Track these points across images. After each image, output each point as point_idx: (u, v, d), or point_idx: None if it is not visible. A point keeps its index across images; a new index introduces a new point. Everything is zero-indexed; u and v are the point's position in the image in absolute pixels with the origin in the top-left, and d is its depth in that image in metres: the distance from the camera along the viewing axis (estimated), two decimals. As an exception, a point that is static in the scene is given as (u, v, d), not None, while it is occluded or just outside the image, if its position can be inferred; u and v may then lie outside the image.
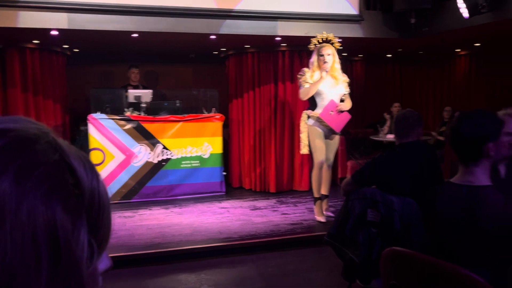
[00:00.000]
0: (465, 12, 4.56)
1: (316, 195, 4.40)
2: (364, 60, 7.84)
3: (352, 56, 7.70)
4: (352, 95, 4.53)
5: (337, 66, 4.30)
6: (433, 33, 5.38)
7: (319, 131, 4.33)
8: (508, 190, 1.80)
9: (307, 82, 4.30)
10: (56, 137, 0.44)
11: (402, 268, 1.75)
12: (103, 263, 0.44)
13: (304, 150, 4.47)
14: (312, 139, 4.35)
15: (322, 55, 4.23)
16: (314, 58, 4.32)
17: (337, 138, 4.43)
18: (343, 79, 4.36)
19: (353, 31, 5.18)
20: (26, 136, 0.41)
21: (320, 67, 4.27)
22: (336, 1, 5.11)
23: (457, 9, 4.66)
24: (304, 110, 4.59)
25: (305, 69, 4.41)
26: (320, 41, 4.40)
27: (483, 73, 7.48)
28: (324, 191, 4.41)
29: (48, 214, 0.38)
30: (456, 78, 7.99)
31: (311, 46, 4.42)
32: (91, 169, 0.44)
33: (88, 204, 0.42)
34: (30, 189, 0.38)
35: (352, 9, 5.17)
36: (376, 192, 2.60)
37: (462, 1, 4.54)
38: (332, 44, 4.37)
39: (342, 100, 4.38)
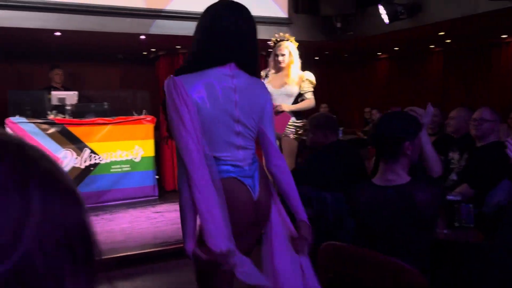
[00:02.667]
0: (385, 18, 4.87)
1: None
2: (293, 62, 8.07)
3: (282, 58, 7.87)
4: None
5: (293, 65, 4.18)
6: (357, 37, 5.68)
7: None
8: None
9: None
10: None
11: (338, 261, 1.83)
12: None
13: None
14: None
15: (277, 55, 4.23)
16: (271, 58, 4.27)
17: (289, 140, 4.25)
18: (297, 79, 4.20)
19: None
20: None
21: (275, 66, 4.27)
22: (266, 4, 5.21)
23: (379, 15, 4.96)
24: None
25: (263, 72, 4.37)
26: (279, 40, 4.29)
27: (402, 74, 8.03)
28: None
29: None
30: (378, 80, 8.50)
31: (271, 43, 4.40)
32: None
33: None
34: None
35: (281, 12, 5.31)
36: (311, 190, 2.71)
37: (383, 8, 4.84)
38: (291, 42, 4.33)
39: (297, 101, 4.26)
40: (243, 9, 1.68)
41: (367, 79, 8.69)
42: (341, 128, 6.20)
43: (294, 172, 2.89)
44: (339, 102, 8.83)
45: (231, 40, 1.59)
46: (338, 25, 5.50)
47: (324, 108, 7.61)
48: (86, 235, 0.36)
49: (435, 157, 2.15)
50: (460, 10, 4.43)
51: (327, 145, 2.86)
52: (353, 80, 8.86)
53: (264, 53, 5.67)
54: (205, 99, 1.53)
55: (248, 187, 1.61)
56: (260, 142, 1.73)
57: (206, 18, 1.65)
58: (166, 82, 1.53)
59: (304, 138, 6.18)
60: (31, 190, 0.32)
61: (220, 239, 1.45)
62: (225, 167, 1.58)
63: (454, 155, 3.26)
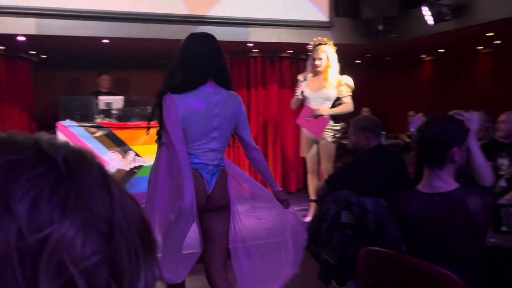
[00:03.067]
0: (430, 20, 4.74)
1: (311, 197, 4.48)
2: (334, 66, 7.99)
3: (322, 62, 7.81)
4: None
5: (331, 69, 4.20)
6: (400, 39, 5.56)
7: (306, 136, 4.39)
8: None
9: (298, 88, 4.30)
10: None
11: (377, 267, 1.80)
12: None
13: (301, 153, 4.62)
14: (302, 144, 4.49)
15: (315, 59, 4.24)
16: (309, 62, 4.33)
17: (327, 144, 4.28)
18: (335, 83, 4.22)
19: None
20: None
21: (312, 70, 4.28)
22: (307, 8, 5.21)
23: (423, 16, 4.83)
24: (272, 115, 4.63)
25: (300, 76, 4.41)
26: (317, 44, 4.32)
27: (448, 77, 7.77)
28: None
29: None
30: (422, 83, 8.26)
31: (310, 48, 4.42)
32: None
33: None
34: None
35: (322, 16, 5.28)
36: (350, 194, 2.67)
37: (427, 9, 4.72)
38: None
39: (334, 105, 4.29)
40: (208, 37, 2.19)
41: (411, 82, 8.46)
42: (383, 132, 6.08)
43: (334, 176, 2.87)
44: (382, 106, 8.65)
45: (203, 64, 2.11)
46: (380, 27, 5.41)
47: (365, 112, 7.48)
48: (149, 229, 0.41)
49: (486, 165, 2.06)
50: (510, 9, 4.25)
51: (369, 149, 2.81)
52: (396, 83, 8.66)
53: (304, 56, 5.66)
54: (191, 113, 2.07)
55: (204, 180, 2.14)
56: (239, 142, 2.32)
57: (183, 50, 2.15)
58: (164, 98, 2.08)
59: (345, 142, 6.10)
60: (112, 188, 0.38)
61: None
62: (194, 160, 2.12)
63: (504, 161, 3.13)
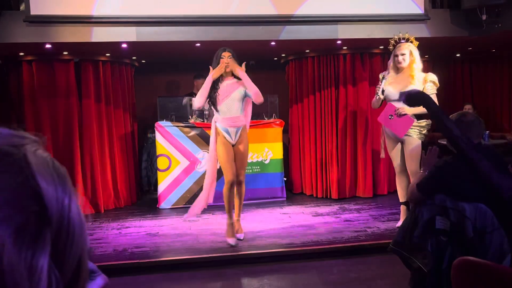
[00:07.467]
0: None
1: (401, 199, 4.36)
2: (430, 60, 7.50)
3: (418, 57, 7.37)
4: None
5: (416, 65, 4.06)
6: (507, 29, 5.04)
7: (389, 135, 4.26)
8: None
9: (379, 88, 4.18)
10: (31, 150, 0.40)
11: (475, 280, 1.64)
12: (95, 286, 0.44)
13: (381, 154, 4.56)
14: (386, 144, 4.37)
15: (397, 55, 4.09)
16: (391, 59, 4.20)
17: (413, 143, 4.11)
18: (420, 80, 4.07)
19: (418, 31, 4.97)
20: None
21: (394, 67, 4.14)
22: (399, 0, 4.95)
23: (534, 2, 4.33)
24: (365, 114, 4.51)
25: (381, 75, 4.29)
26: (397, 40, 4.20)
27: None
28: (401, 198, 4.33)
29: None
30: (535, 77, 7.41)
31: (390, 48, 4.29)
32: (63, 189, 0.40)
33: (55, 232, 0.38)
34: None
35: (417, 8, 4.98)
36: (446, 199, 2.48)
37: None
38: (411, 42, 4.18)
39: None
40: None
41: (521, 76, 7.63)
42: (487, 132, 5.57)
43: (426, 183, 2.66)
44: (486, 102, 7.94)
45: None
46: (484, 17, 4.95)
47: (468, 109, 6.92)
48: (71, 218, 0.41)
49: None
50: None
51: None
52: (503, 77, 7.87)
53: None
54: None
55: None
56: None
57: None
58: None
59: (444, 142, 5.70)
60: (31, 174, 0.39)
61: None
62: None
63: None
